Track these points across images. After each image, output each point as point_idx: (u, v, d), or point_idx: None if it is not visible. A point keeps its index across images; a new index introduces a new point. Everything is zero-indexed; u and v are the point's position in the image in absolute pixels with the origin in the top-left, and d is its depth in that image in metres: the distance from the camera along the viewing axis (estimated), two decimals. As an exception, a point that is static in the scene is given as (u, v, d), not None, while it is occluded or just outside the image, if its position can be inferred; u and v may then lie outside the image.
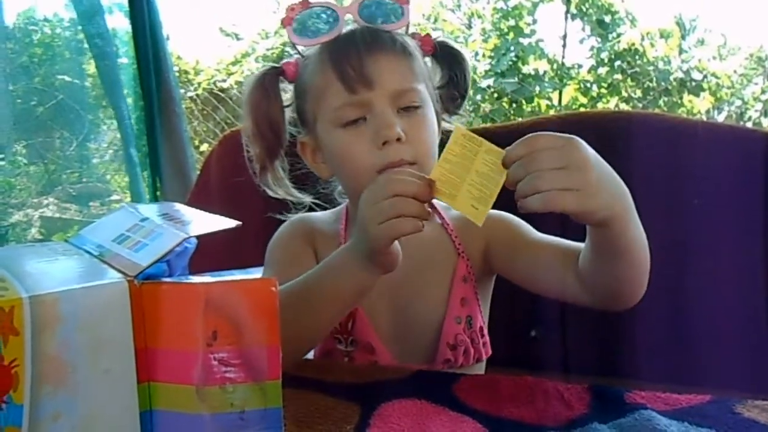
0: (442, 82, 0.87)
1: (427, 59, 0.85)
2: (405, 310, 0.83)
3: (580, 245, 0.71)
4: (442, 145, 0.90)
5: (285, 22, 0.80)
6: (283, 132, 0.85)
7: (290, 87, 0.86)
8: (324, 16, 0.79)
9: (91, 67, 2.39)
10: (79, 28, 2.23)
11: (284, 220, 0.91)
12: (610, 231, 0.63)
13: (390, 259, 0.68)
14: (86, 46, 2.22)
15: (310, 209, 0.92)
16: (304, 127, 0.84)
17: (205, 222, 0.54)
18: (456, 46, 0.86)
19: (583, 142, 0.60)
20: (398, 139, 0.74)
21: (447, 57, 0.86)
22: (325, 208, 0.93)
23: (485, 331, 0.86)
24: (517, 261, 0.82)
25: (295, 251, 0.86)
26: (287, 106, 0.85)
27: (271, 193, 0.87)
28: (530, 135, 0.60)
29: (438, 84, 0.87)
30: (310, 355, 0.84)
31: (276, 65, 0.84)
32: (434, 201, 0.86)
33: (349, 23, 0.80)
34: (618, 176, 0.63)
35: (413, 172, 0.65)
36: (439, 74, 0.87)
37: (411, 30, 0.84)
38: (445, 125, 0.89)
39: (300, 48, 0.83)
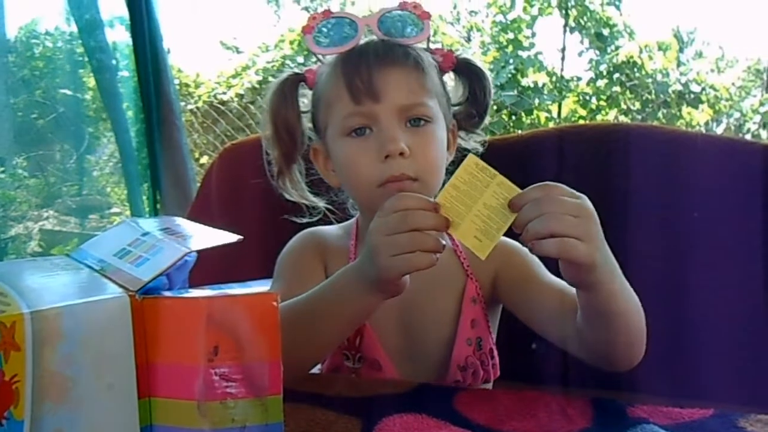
0: (462, 99, 0.86)
1: (451, 75, 0.85)
2: (413, 329, 0.83)
3: None
4: (457, 162, 0.90)
5: (305, 31, 0.79)
6: (299, 137, 0.84)
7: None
8: (344, 26, 0.79)
9: (91, 81, 2.40)
10: (80, 41, 2.24)
11: (297, 224, 0.90)
12: (598, 293, 0.63)
13: (398, 288, 0.67)
14: (86, 59, 2.23)
15: (324, 216, 0.91)
16: (317, 134, 0.85)
17: (206, 237, 0.54)
18: (478, 63, 0.85)
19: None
20: (402, 154, 0.74)
21: (468, 74, 0.85)
22: (339, 215, 0.92)
23: (495, 353, 0.85)
24: (521, 299, 0.81)
25: (304, 266, 0.85)
26: (305, 112, 0.85)
27: (287, 197, 0.87)
28: (546, 182, 0.61)
29: (458, 101, 0.86)
30: (317, 369, 0.84)
31: (298, 72, 0.84)
32: None
33: (369, 35, 0.80)
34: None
35: (422, 198, 0.64)
36: (461, 91, 0.86)
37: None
38: (462, 143, 0.88)
39: (321, 56, 0.83)
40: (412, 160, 0.75)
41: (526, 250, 0.80)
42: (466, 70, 0.85)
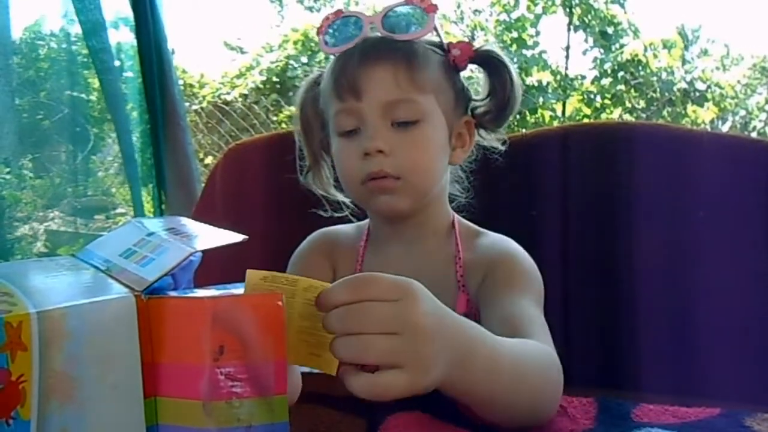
0: (485, 94, 0.83)
1: (477, 69, 0.83)
2: None
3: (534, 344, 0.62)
4: (479, 162, 0.87)
5: (318, 32, 0.80)
6: (318, 133, 0.85)
7: None
8: (349, 25, 0.79)
9: (96, 82, 2.41)
10: (84, 43, 2.25)
11: (301, 222, 0.90)
12: (463, 400, 0.55)
13: None
14: (91, 60, 2.24)
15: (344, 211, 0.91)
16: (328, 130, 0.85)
17: (211, 236, 0.54)
18: (498, 53, 0.81)
19: (423, 292, 0.49)
20: (381, 151, 0.73)
21: (488, 66, 0.82)
22: (354, 210, 0.92)
23: None
24: (485, 317, 0.73)
25: (311, 266, 0.85)
26: None
27: (315, 191, 0.88)
28: (359, 276, 0.48)
29: (484, 95, 0.84)
30: None
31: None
32: (459, 225, 0.84)
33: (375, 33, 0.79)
34: (459, 323, 0.52)
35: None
36: (485, 85, 0.83)
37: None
38: (484, 142, 0.86)
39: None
40: (395, 158, 0.74)
41: (519, 263, 0.76)
42: (485, 63, 0.82)
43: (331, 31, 0.80)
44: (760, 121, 4.76)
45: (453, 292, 0.80)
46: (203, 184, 1.48)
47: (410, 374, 0.46)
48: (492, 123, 0.84)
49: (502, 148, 0.87)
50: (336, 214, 0.91)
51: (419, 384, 0.47)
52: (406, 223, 0.81)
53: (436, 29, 0.79)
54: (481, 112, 0.84)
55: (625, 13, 4.63)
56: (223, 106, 4.51)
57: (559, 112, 4.53)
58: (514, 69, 0.82)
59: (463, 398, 0.54)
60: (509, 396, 0.56)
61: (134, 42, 1.94)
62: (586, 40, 4.66)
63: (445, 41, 0.82)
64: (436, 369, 0.48)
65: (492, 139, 0.87)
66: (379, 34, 0.78)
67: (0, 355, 0.39)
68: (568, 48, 4.61)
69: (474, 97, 0.85)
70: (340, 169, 0.80)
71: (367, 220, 0.89)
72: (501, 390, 0.55)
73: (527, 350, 0.60)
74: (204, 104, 4.60)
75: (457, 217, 0.85)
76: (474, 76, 0.86)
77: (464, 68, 0.82)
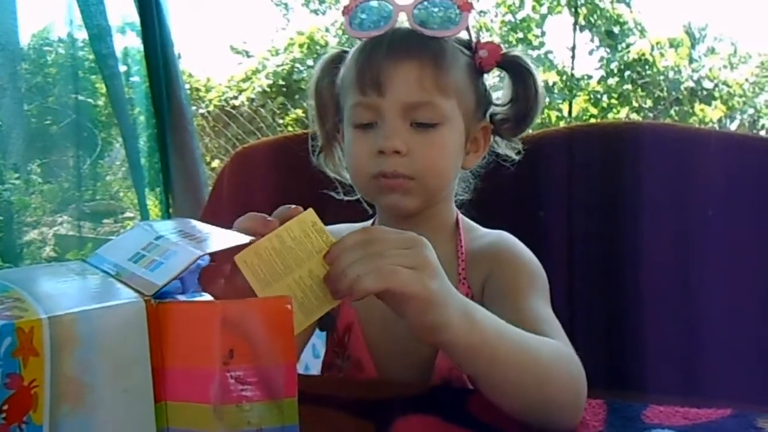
0: (507, 99, 0.81)
1: (500, 73, 0.81)
2: (399, 333, 0.77)
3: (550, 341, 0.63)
4: (487, 167, 0.86)
5: (344, 12, 0.78)
6: (332, 116, 0.83)
7: None
8: (378, 11, 0.76)
9: (103, 87, 2.42)
10: (91, 48, 2.26)
11: (334, 220, 0.89)
12: (453, 348, 0.55)
13: None
14: (97, 66, 2.26)
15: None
16: (341, 115, 0.83)
17: (220, 238, 0.54)
18: (526, 61, 0.79)
19: (429, 244, 0.54)
20: (398, 152, 0.72)
21: (513, 72, 0.80)
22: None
23: None
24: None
25: None
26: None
27: (327, 172, 0.87)
28: (368, 227, 0.54)
29: (506, 100, 0.82)
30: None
31: (346, 49, 0.82)
32: (462, 221, 0.84)
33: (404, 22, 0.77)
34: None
35: None
36: (509, 91, 0.81)
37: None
38: (499, 150, 0.85)
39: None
40: (411, 159, 0.73)
41: (523, 262, 0.76)
42: (511, 68, 0.80)
43: (358, 13, 0.77)
44: (769, 119, 4.73)
45: (453, 283, 0.78)
46: (210, 188, 1.48)
47: (415, 272, 0.50)
48: (509, 132, 0.83)
49: (516, 157, 0.85)
50: (347, 198, 0.89)
51: (424, 284, 0.50)
52: (414, 219, 0.79)
53: (467, 28, 0.76)
54: (499, 119, 0.82)
55: (631, 12, 4.62)
56: (230, 109, 4.53)
57: (565, 113, 4.52)
58: (539, 78, 0.80)
59: (470, 358, 0.56)
60: (515, 367, 0.56)
61: (141, 47, 1.95)
62: (592, 40, 4.65)
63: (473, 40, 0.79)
64: (438, 283, 0.52)
65: (506, 147, 0.85)
66: (407, 25, 0.76)
67: (12, 360, 0.40)
68: (574, 48, 4.59)
69: (494, 101, 0.83)
70: (351, 161, 0.78)
71: (371, 221, 0.89)
72: (506, 354, 0.56)
73: (535, 336, 0.60)
74: (210, 108, 4.61)
75: (459, 214, 0.85)
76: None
77: (489, 71, 0.80)
